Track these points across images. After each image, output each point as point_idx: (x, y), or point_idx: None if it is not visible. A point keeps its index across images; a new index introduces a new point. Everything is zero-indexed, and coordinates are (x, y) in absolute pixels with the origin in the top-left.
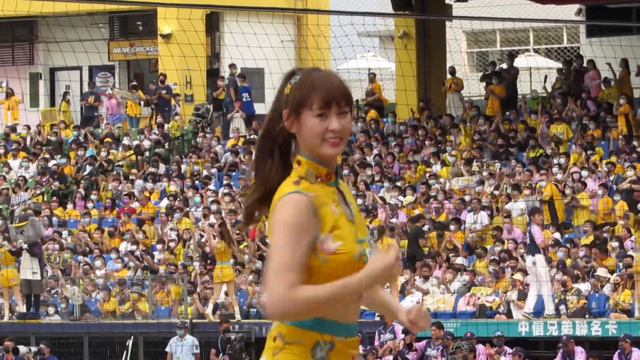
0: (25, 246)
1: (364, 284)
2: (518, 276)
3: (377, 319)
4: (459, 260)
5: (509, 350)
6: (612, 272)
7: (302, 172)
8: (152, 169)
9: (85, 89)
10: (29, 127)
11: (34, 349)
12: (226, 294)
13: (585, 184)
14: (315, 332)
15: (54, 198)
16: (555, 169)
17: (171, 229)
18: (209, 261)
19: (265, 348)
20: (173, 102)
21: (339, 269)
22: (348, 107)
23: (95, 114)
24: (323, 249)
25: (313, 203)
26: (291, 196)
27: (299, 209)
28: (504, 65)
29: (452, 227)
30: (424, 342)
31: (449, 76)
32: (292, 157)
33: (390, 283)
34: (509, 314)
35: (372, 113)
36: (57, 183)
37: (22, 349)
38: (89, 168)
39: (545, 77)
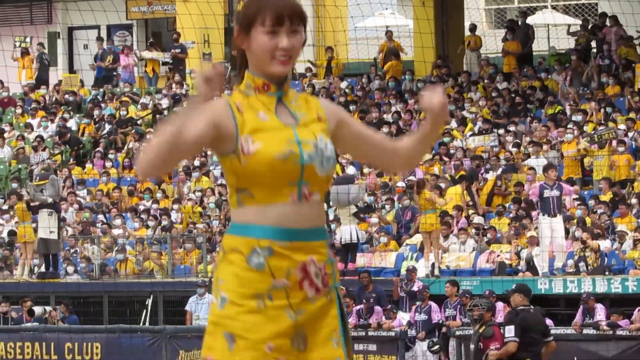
0: (50, 200)
1: (183, 110)
2: (533, 233)
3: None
4: (477, 220)
5: None
6: (632, 230)
7: (242, 85)
8: None
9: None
10: (47, 86)
11: (49, 308)
12: None
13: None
14: (251, 238)
15: (71, 160)
16: (570, 125)
17: (191, 189)
18: (228, 221)
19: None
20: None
21: (261, 170)
22: (300, 26)
23: (114, 73)
24: (243, 150)
25: (231, 106)
26: (211, 102)
27: (211, 103)
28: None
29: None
30: (442, 304)
31: (468, 33)
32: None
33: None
34: (530, 271)
35: (395, 65)
36: (67, 147)
37: (38, 309)
38: (107, 127)
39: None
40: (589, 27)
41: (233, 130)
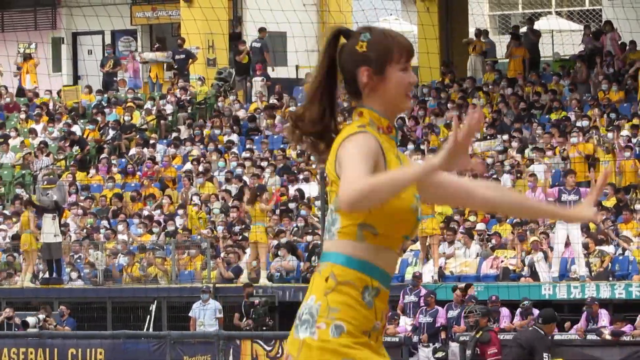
0: (54, 201)
1: (425, 169)
2: (541, 238)
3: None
4: (480, 226)
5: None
6: (636, 235)
7: (365, 121)
8: (174, 134)
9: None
10: (51, 92)
11: (42, 317)
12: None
13: (614, 146)
14: (366, 275)
15: (72, 163)
16: (575, 132)
17: (194, 194)
18: (235, 226)
19: (313, 287)
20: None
21: (398, 215)
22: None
23: (115, 79)
24: None
25: (380, 143)
26: (359, 134)
27: (368, 139)
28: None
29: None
30: (446, 306)
31: (474, 38)
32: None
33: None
34: (532, 277)
35: None
36: (77, 148)
37: (31, 320)
38: (112, 132)
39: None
40: (590, 33)
41: (382, 166)
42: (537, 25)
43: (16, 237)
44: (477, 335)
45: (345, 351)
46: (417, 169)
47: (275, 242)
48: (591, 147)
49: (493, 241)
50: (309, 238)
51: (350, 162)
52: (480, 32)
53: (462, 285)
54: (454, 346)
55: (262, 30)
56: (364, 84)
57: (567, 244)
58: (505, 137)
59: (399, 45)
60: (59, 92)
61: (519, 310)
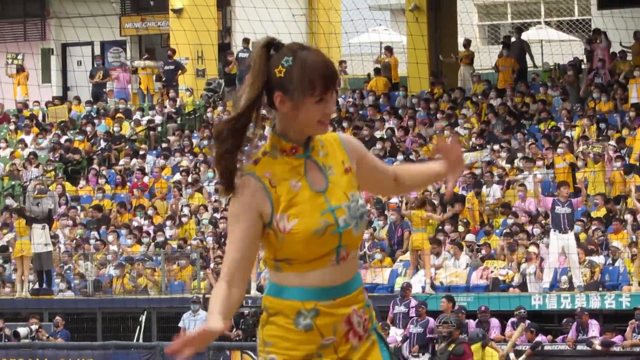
0: (51, 206)
1: (206, 327)
2: (532, 249)
3: (391, 293)
4: (469, 237)
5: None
6: (626, 245)
7: (267, 146)
8: (164, 145)
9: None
10: (39, 103)
11: (34, 327)
12: None
13: (602, 155)
14: (296, 300)
15: (59, 175)
16: (565, 142)
17: (184, 205)
18: (225, 238)
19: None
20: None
21: (299, 247)
22: (337, 86)
23: (104, 89)
24: (279, 227)
25: (262, 182)
26: (242, 179)
27: (243, 192)
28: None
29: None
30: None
31: (462, 49)
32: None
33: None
34: (522, 287)
35: (382, 82)
36: (77, 156)
37: (22, 330)
38: (103, 143)
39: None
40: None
41: (269, 208)
42: (527, 35)
43: (5, 249)
44: (450, 349)
45: None
46: (208, 322)
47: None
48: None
49: (483, 252)
50: None
51: (228, 235)
52: (469, 43)
53: (447, 295)
54: None
55: (246, 40)
56: (277, 107)
57: (559, 255)
58: (496, 147)
59: (318, 76)
60: (47, 104)
61: (511, 320)
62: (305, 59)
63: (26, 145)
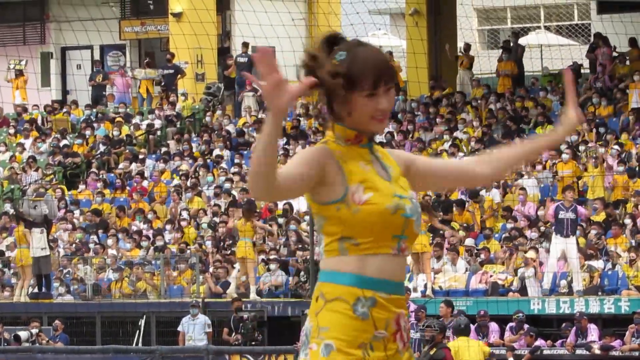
0: (42, 215)
1: (270, 117)
2: (531, 254)
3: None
4: (469, 241)
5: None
6: (626, 250)
7: (331, 136)
8: (164, 148)
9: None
10: (38, 107)
11: (34, 331)
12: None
13: (603, 160)
14: (355, 287)
15: (55, 180)
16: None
17: (183, 209)
18: (223, 242)
19: (309, 309)
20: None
21: (372, 220)
22: (393, 83)
23: (104, 93)
24: (354, 199)
25: (334, 154)
26: (317, 146)
27: (314, 150)
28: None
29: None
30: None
31: (461, 53)
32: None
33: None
34: (521, 292)
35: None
36: (77, 159)
37: (23, 334)
38: (102, 147)
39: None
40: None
41: (340, 179)
42: (526, 39)
43: (1, 253)
44: (432, 353)
45: None
46: (267, 120)
47: (261, 256)
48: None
49: (482, 256)
50: (299, 253)
51: (290, 160)
52: (469, 47)
53: (446, 300)
54: None
55: (245, 44)
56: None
57: (559, 259)
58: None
59: (370, 71)
60: (45, 108)
61: (509, 325)
62: (356, 54)
63: (24, 149)
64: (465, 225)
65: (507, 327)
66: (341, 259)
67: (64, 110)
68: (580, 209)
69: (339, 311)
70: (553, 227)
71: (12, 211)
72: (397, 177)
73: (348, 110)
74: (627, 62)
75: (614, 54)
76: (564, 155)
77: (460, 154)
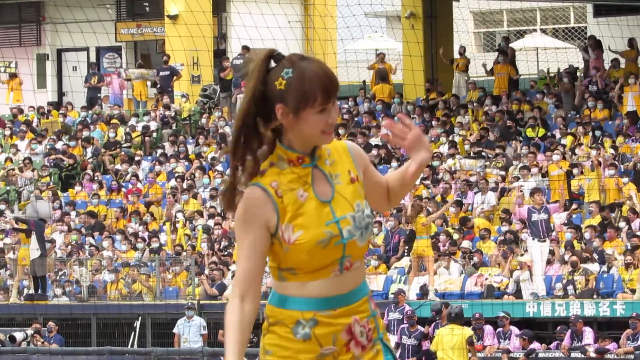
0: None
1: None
2: (526, 257)
3: (385, 299)
4: (465, 244)
5: (516, 331)
6: (620, 253)
7: (274, 158)
8: (159, 150)
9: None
10: (34, 109)
11: (30, 331)
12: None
13: (599, 162)
14: (295, 310)
15: (50, 183)
16: (560, 150)
17: (178, 211)
18: (219, 244)
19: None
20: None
21: (303, 258)
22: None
23: (99, 94)
24: (284, 238)
25: (270, 194)
26: (248, 189)
27: (248, 203)
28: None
29: (452, 209)
30: (432, 325)
31: (457, 56)
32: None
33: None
34: (516, 295)
35: (387, 90)
36: (70, 161)
37: (19, 335)
38: (97, 149)
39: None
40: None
41: (275, 218)
42: (522, 42)
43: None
44: None
45: None
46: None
47: None
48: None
49: (475, 259)
50: None
51: (238, 247)
52: (465, 50)
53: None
54: None
55: (245, 47)
56: (279, 119)
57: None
58: (492, 154)
59: (318, 87)
60: (39, 110)
61: (499, 330)
62: (304, 70)
63: (18, 150)
64: (457, 227)
65: (498, 331)
66: (280, 283)
67: (60, 111)
68: (552, 207)
69: (280, 335)
70: (528, 231)
71: (11, 216)
72: (344, 188)
73: (292, 125)
74: (622, 65)
75: (608, 57)
76: (554, 157)
77: (459, 156)
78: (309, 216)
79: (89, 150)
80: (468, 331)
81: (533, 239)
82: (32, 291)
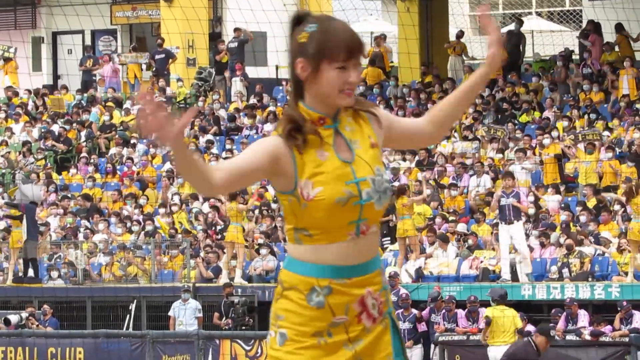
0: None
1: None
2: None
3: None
4: (460, 227)
5: None
6: (616, 236)
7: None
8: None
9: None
10: (30, 92)
11: (25, 315)
12: (233, 257)
13: (593, 145)
14: (311, 277)
15: (48, 165)
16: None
17: (174, 194)
18: (214, 227)
19: (274, 293)
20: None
21: (320, 215)
22: (363, 58)
23: (94, 77)
24: (302, 195)
25: (290, 149)
26: (274, 137)
27: (268, 141)
28: (511, 27)
29: (452, 192)
30: (427, 309)
31: (454, 39)
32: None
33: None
34: (511, 277)
35: (376, 72)
36: (62, 145)
37: (13, 318)
38: (93, 132)
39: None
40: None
41: (292, 172)
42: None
43: None
44: None
45: (287, 358)
46: (170, 149)
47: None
48: (558, 148)
49: (470, 241)
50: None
51: (242, 152)
52: (462, 34)
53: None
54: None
55: (237, 30)
56: (299, 75)
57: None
58: (488, 138)
59: (340, 42)
60: (36, 92)
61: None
62: (329, 25)
63: (13, 134)
64: (453, 209)
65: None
66: (296, 247)
67: (55, 94)
68: (521, 194)
69: (294, 300)
70: (498, 216)
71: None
72: (364, 153)
73: (312, 80)
74: (616, 49)
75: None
76: (545, 140)
77: (454, 138)
78: (330, 174)
79: (83, 133)
80: (518, 320)
81: (501, 223)
82: (21, 274)
